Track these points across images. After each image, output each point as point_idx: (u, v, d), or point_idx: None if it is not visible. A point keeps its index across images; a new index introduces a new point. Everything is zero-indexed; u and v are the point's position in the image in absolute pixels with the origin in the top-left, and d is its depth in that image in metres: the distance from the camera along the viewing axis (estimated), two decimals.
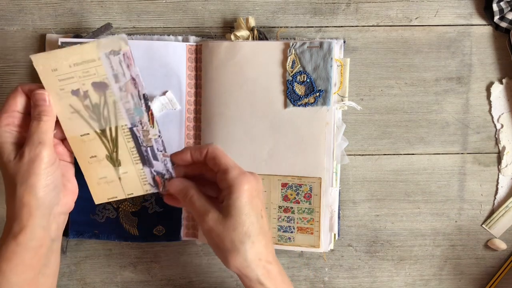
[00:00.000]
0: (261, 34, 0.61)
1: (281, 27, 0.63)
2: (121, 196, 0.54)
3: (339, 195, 0.63)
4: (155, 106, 0.61)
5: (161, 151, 0.53)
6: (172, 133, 0.63)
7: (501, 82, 0.64)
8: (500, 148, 0.64)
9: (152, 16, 0.63)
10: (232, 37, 0.61)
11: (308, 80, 0.59)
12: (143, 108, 0.51)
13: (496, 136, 0.64)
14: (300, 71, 0.59)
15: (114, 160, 0.52)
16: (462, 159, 0.64)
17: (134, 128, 0.51)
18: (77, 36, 0.62)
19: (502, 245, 0.65)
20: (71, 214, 0.56)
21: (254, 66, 0.60)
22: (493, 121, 0.64)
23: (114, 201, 0.58)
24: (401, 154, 0.65)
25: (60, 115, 0.50)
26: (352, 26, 0.63)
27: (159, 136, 0.52)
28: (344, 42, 0.63)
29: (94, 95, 0.50)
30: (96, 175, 0.53)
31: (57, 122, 0.50)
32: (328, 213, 0.61)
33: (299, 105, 0.60)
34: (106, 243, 0.65)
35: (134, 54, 0.49)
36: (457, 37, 0.63)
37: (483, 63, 0.64)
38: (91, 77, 0.49)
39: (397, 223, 0.65)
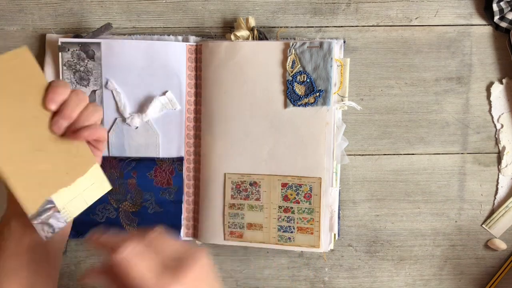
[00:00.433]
0: (261, 34, 0.61)
1: (281, 27, 0.63)
2: None
3: (339, 195, 0.63)
4: (155, 106, 0.61)
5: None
6: (172, 133, 0.63)
7: (501, 82, 0.63)
8: (500, 148, 0.64)
9: (152, 16, 0.63)
10: (232, 37, 0.61)
11: (308, 80, 0.59)
12: None
13: (496, 136, 0.64)
14: (300, 71, 0.59)
15: None
16: (462, 159, 0.64)
17: None
18: (77, 36, 0.62)
19: (502, 245, 0.65)
20: None
21: (254, 66, 0.60)
22: (493, 121, 0.64)
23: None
24: (401, 154, 0.65)
25: None
26: (352, 26, 0.63)
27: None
28: (344, 42, 0.63)
29: None
30: None
31: None
32: (328, 213, 0.61)
33: (299, 105, 0.60)
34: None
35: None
36: (457, 37, 0.63)
37: (483, 63, 0.64)
38: None
39: (397, 223, 0.65)
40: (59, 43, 0.61)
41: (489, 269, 0.66)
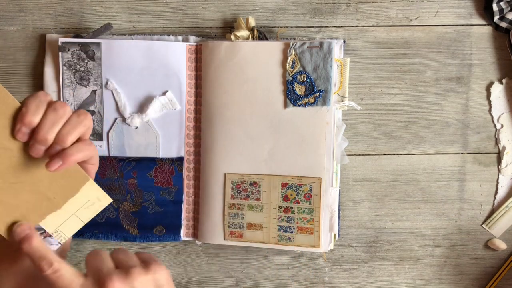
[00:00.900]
0: (261, 34, 0.61)
1: (281, 27, 0.63)
2: None
3: (339, 195, 0.63)
4: (155, 106, 0.61)
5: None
6: (172, 133, 0.63)
7: (501, 82, 0.64)
8: (500, 148, 0.64)
9: (152, 16, 0.63)
10: (232, 37, 0.61)
11: (308, 80, 0.59)
12: None
13: (496, 136, 0.64)
14: (300, 71, 0.59)
15: None
16: (462, 159, 0.64)
17: None
18: (77, 36, 0.62)
19: (502, 245, 0.65)
20: None
21: (254, 66, 0.60)
22: (493, 121, 0.64)
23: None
24: (401, 154, 0.65)
25: None
26: (352, 26, 0.63)
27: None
28: (344, 42, 0.63)
29: None
30: None
31: None
32: (328, 213, 0.61)
33: (299, 105, 0.60)
34: (106, 243, 0.65)
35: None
36: (457, 37, 0.63)
37: (483, 63, 0.64)
38: None
39: (397, 223, 0.65)
40: (59, 43, 0.61)
41: (489, 269, 0.66)
